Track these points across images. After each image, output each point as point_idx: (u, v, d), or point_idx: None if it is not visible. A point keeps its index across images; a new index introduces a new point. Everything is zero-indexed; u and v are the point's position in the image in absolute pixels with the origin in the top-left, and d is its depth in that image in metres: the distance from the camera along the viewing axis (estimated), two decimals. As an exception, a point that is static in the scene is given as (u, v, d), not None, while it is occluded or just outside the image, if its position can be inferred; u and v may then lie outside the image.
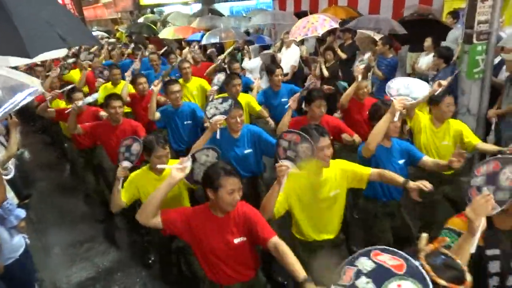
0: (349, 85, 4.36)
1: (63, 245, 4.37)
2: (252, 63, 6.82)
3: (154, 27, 12.31)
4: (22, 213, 2.80)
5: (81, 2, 19.25)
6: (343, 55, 6.53)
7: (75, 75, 6.58)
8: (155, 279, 3.63)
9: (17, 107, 1.75)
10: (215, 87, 4.49)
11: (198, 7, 14.93)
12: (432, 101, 3.19)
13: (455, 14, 6.39)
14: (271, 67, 4.73)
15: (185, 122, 4.22)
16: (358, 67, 4.23)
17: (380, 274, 1.06)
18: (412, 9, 7.31)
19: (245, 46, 7.45)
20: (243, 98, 4.28)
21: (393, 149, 2.86)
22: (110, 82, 5.50)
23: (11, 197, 3.27)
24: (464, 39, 4.38)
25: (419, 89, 2.88)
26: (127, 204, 2.75)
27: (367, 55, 4.35)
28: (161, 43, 10.16)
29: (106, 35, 14.53)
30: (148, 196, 2.74)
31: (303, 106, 3.85)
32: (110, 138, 3.91)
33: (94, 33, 14.51)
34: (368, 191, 2.83)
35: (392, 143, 2.87)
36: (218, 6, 14.18)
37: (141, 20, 15.17)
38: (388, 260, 1.09)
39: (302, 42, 7.31)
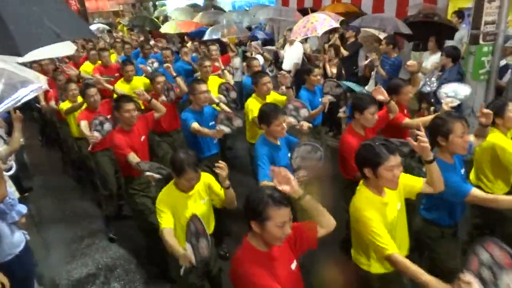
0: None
1: (64, 241, 4.36)
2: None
3: (157, 21, 12.23)
4: (23, 208, 2.78)
5: (83, -7, 19.17)
6: (346, 53, 6.49)
7: (87, 68, 6.48)
8: (156, 276, 3.62)
9: (19, 103, 1.72)
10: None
11: (200, 0, 14.83)
12: (495, 113, 2.82)
13: (460, 13, 6.35)
14: (308, 67, 4.49)
15: (210, 124, 3.98)
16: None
17: None
18: (417, 8, 7.24)
19: (249, 42, 7.42)
20: (269, 96, 4.07)
21: (456, 163, 2.49)
22: (122, 79, 5.24)
23: (13, 191, 3.24)
24: (470, 40, 4.36)
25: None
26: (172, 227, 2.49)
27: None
28: (164, 37, 10.09)
29: (107, 27, 14.42)
30: (177, 216, 2.54)
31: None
32: (128, 147, 3.36)
33: (95, 26, 14.40)
34: (432, 215, 2.57)
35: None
36: (220, 1, 14.09)
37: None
38: None
39: (306, 40, 7.26)
